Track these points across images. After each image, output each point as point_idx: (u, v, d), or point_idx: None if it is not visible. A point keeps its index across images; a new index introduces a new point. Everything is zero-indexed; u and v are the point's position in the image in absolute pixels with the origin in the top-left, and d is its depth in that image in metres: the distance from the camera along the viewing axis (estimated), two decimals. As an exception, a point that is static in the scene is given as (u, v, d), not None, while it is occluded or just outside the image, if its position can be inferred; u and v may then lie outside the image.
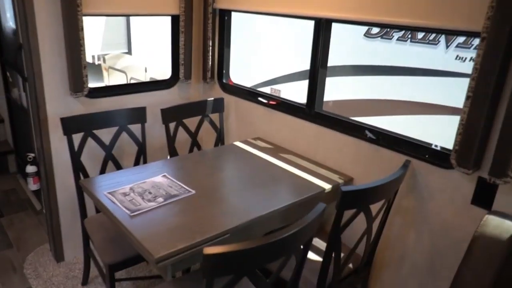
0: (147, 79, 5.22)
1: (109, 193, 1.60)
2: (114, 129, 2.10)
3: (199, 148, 2.41)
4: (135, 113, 2.14)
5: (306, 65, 2.10)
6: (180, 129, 2.26)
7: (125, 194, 1.59)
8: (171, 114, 2.21)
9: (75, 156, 1.97)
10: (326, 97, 2.13)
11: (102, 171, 2.08)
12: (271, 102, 2.24)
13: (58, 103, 2.12)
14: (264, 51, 3.37)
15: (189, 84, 2.61)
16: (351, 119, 1.91)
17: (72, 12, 1.93)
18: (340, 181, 1.86)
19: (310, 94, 2.04)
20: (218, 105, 2.42)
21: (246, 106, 2.44)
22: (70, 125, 1.93)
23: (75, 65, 2.04)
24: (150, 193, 1.62)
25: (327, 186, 1.79)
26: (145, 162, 2.19)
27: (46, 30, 1.98)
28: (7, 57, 3.04)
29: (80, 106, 2.20)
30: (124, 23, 5.68)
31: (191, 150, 2.36)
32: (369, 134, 1.80)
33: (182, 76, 2.50)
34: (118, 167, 2.13)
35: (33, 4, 1.91)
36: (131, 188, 1.64)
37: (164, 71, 5.12)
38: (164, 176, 1.78)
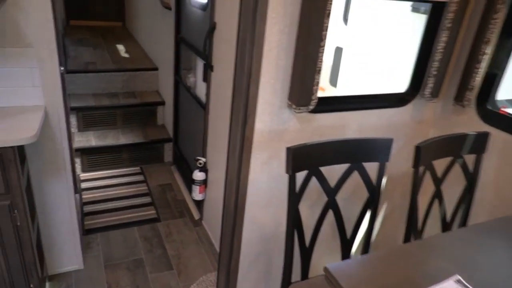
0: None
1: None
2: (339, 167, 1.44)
3: (440, 202, 1.64)
4: (378, 146, 1.45)
5: None
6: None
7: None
8: (427, 152, 1.46)
9: (295, 202, 1.35)
10: None
11: (320, 221, 1.44)
12: None
13: (269, 116, 1.53)
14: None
15: (430, 103, 1.83)
16: None
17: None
18: None
19: None
20: (479, 143, 1.61)
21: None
22: (298, 158, 1.31)
23: (307, 68, 1.41)
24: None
25: None
26: (374, 215, 1.50)
27: (279, 10, 1.37)
28: (185, 35, 2.59)
29: (295, 123, 1.58)
30: None
31: (429, 205, 1.61)
32: None
33: (429, 92, 1.73)
34: (339, 222, 1.47)
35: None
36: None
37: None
38: (459, 282, 1.05)
